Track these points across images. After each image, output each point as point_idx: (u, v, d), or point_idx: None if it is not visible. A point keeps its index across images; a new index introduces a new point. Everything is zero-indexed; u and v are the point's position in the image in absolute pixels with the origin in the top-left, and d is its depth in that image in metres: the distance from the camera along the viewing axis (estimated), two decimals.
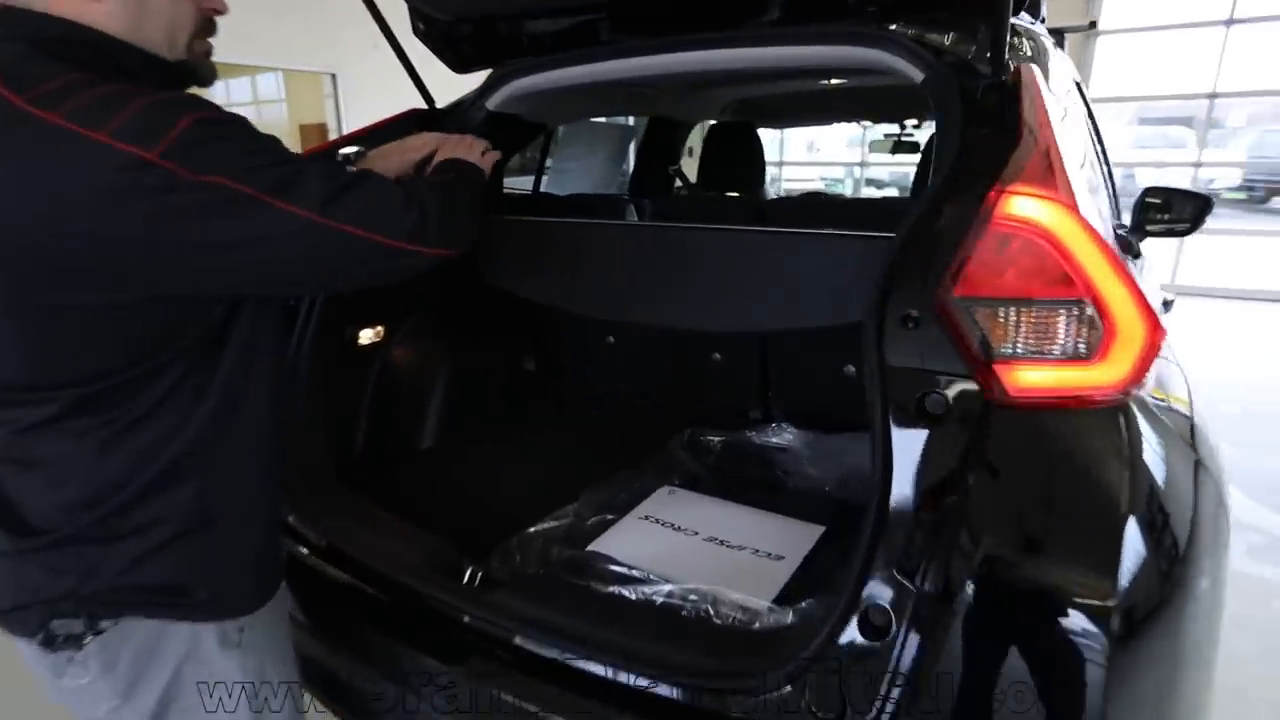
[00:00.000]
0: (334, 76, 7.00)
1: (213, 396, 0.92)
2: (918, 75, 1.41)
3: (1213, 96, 8.36)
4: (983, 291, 0.91)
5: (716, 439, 1.92)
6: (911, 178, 3.22)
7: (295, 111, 9.35)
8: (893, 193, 9.91)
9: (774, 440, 1.90)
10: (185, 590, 0.94)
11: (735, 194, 2.86)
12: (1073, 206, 0.89)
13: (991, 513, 0.91)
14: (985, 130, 1.21)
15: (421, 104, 1.98)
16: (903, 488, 0.98)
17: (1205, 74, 8.28)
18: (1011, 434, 0.92)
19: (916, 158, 3.31)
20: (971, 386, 0.93)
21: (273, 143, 0.88)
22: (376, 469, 1.85)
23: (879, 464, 1.00)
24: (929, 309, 0.97)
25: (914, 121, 3.64)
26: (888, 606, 0.95)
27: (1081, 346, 0.88)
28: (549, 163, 3.10)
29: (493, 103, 1.93)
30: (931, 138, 2.17)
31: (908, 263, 1.03)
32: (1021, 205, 0.89)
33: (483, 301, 2.13)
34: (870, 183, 11.25)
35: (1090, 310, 0.87)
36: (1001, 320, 0.90)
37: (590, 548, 1.46)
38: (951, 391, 0.96)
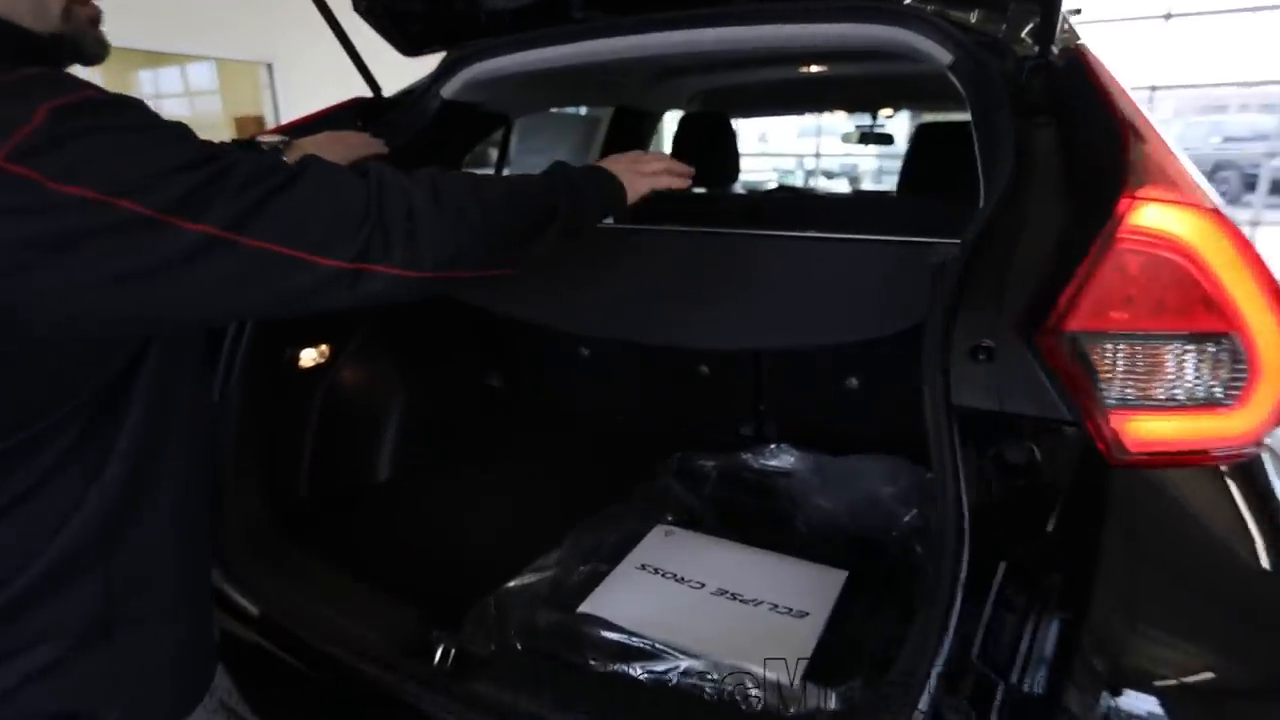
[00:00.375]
0: (270, 66, 6.60)
1: (115, 465, 0.72)
2: (945, 57, 1.23)
3: (1153, 89, 8.55)
4: (1100, 323, 0.73)
5: (710, 464, 1.73)
6: (869, 171, 3.09)
7: (230, 104, 8.86)
8: (871, 187, 9.83)
9: (774, 464, 1.71)
10: (89, 717, 0.74)
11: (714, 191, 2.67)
12: (1218, 215, 0.71)
13: (1107, 594, 0.73)
14: (1047, 119, 1.04)
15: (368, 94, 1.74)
16: (981, 557, 0.80)
17: (1148, 68, 8.46)
18: (1129, 496, 0.74)
19: (894, 149, 3.18)
20: (1074, 437, 0.75)
21: (175, 134, 0.65)
22: (326, 511, 1.61)
23: (950, 526, 0.82)
24: (1014, 339, 0.79)
25: (888, 111, 3.50)
26: (967, 708, 0.77)
27: (1218, 390, 0.71)
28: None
29: (449, 90, 1.70)
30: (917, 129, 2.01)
31: (979, 281, 0.85)
32: (1156, 215, 0.71)
33: (440, 311, 1.90)
34: (826, 175, 11.20)
35: (1238, 345, 0.70)
36: (1122, 357, 0.73)
37: (582, 608, 1.25)
38: (1044, 442, 0.78)
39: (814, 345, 1.51)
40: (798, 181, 11.34)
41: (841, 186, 10.15)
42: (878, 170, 9.89)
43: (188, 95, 9.28)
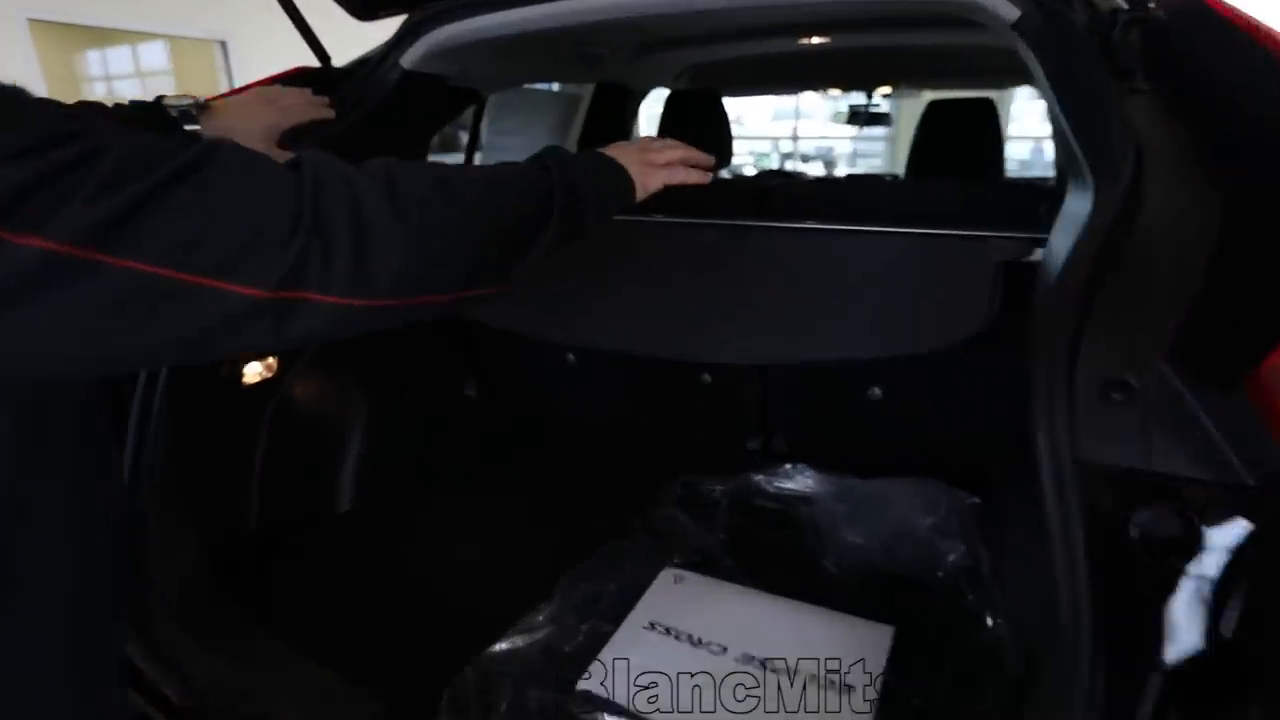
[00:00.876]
0: (224, 44, 6.23)
1: None
2: (1010, 11, 1.02)
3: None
4: None
5: (719, 489, 1.52)
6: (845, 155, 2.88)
7: (184, 85, 8.45)
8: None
9: (791, 487, 1.51)
10: None
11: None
12: None
13: None
14: (1149, 85, 0.83)
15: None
16: (1117, 666, 0.60)
17: None
18: None
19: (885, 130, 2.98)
20: (1269, 506, 0.55)
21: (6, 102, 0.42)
22: (276, 556, 1.38)
23: (1081, 624, 0.61)
24: (1167, 372, 0.59)
25: (886, 90, 3.29)
26: None
27: None
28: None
29: (410, 59, 1.45)
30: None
31: (1112, 295, 0.64)
32: None
33: None
34: (804, 159, 10.97)
35: None
36: None
37: (582, 684, 1.04)
38: (1214, 513, 0.58)
39: (852, 361, 1.31)
40: (774, 166, 11.14)
41: (818, 170, 9.94)
42: (852, 154, 9.66)
43: (139, 76, 8.84)
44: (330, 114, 1.18)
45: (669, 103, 2.50)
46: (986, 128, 1.98)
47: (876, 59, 2.59)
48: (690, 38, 2.42)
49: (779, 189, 1.61)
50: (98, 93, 7.05)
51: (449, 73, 1.58)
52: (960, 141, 2.00)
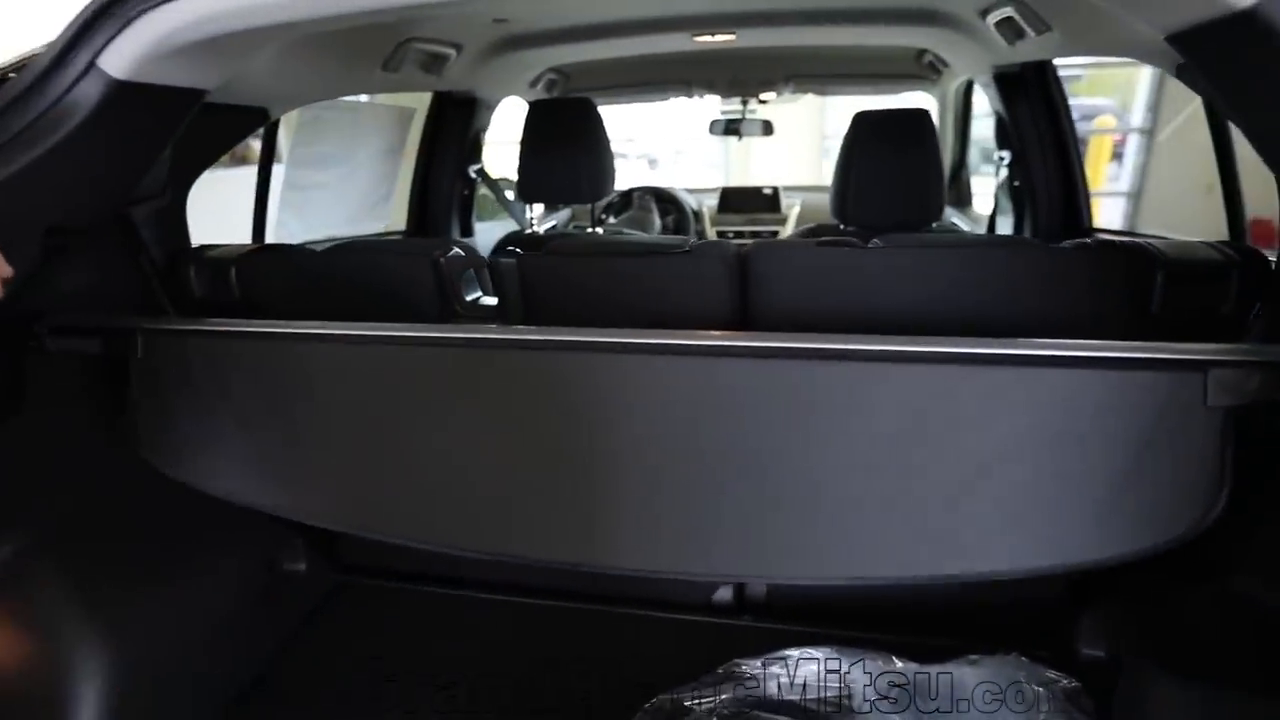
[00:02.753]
0: None
1: None
2: None
3: None
4: None
5: (703, 703, 1.00)
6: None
7: None
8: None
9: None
10: None
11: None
12: None
13: None
14: None
15: None
16: None
17: None
18: None
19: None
20: None
21: None
22: None
23: None
24: None
25: (770, 95, 2.89)
26: None
27: None
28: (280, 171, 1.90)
29: (118, 63, 0.83)
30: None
31: None
32: None
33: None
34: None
35: None
36: None
37: None
38: None
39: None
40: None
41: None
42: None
43: None
44: None
45: (532, 114, 1.93)
46: (925, 144, 1.58)
47: (771, 61, 2.17)
48: (553, 33, 1.88)
49: (758, 255, 1.04)
50: None
51: (202, 84, 0.95)
52: (897, 160, 1.60)
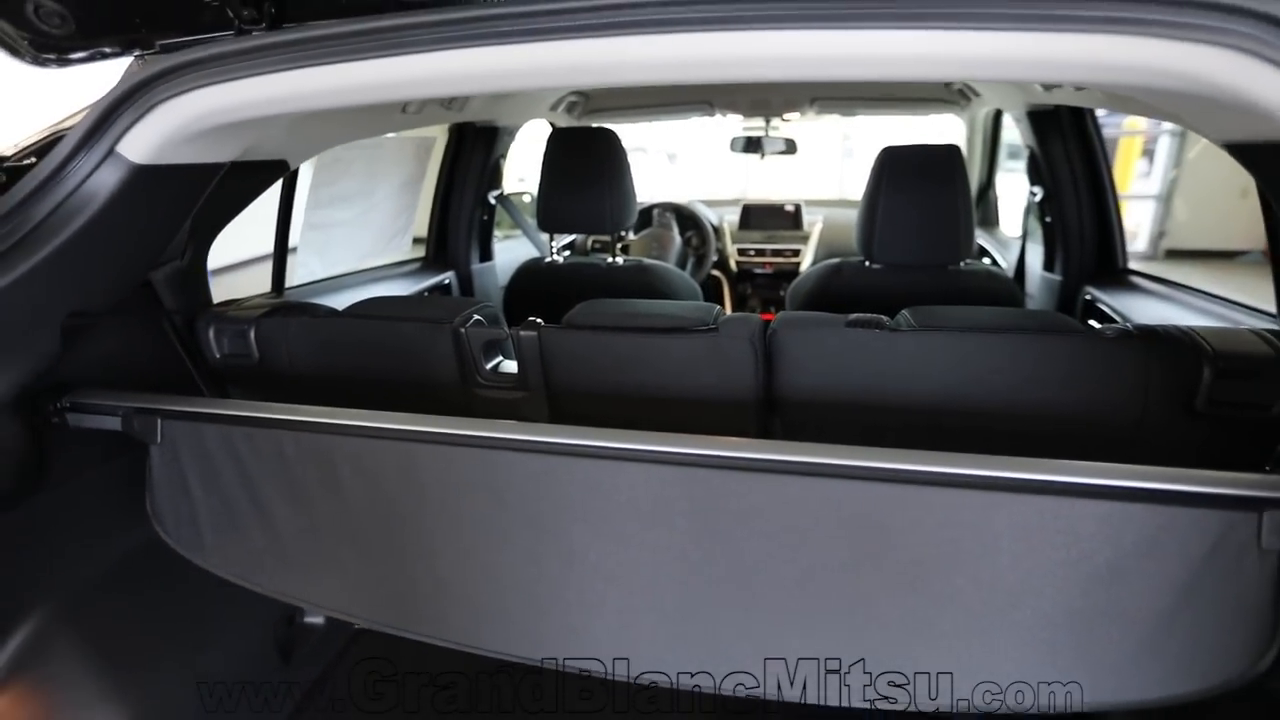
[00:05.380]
0: None
1: None
2: None
3: None
4: None
5: None
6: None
7: None
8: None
9: None
10: None
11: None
12: None
13: None
14: None
15: None
16: None
17: None
18: None
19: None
20: None
21: None
22: None
23: None
24: None
25: (794, 114, 2.84)
26: None
27: None
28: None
29: (138, 148, 0.82)
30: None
31: None
32: None
33: None
34: None
35: None
36: None
37: None
38: None
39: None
40: None
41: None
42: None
43: None
44: None
45: (552, 143, 1.90)
46: (955, 182, 1.53)
47: (795, 86, 2.13)
48: None
49: (784, 337, 0.99)
50: None
51: (222, 158, 0.94)
52: (926, 198, 1.55)
